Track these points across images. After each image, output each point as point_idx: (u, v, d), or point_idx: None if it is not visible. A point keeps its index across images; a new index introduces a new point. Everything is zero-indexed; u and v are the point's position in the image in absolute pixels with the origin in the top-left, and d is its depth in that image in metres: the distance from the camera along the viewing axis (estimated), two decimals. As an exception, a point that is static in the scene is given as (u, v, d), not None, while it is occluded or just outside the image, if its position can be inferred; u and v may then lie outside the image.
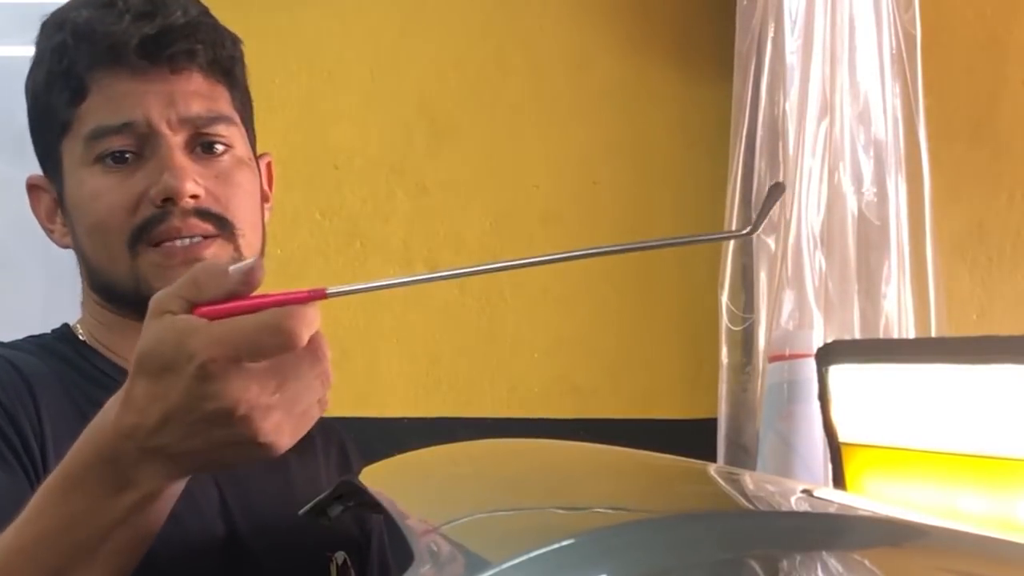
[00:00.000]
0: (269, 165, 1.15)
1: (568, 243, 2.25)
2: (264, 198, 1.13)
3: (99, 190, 1.02)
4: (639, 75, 2.26)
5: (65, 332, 1.11)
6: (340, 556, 1.05)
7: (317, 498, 0.98)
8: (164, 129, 1.02)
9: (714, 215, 2.14)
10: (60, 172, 1.06)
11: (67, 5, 1.07)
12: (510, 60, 2.25)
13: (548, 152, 2.25)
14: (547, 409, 2.21)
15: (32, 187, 1.12)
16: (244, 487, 1.05)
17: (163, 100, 1.02)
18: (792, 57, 2.04)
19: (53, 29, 1.06)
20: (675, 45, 2.27)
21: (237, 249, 1.04)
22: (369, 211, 2.21)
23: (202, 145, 1.04)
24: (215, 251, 1.03)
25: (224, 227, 1.03)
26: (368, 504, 0.89)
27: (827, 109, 2.04)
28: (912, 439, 1.07)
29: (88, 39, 1.02)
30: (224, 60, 1.07)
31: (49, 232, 1.11)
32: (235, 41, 1.09)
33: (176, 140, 1.02)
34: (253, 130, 1.13)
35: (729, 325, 2.11)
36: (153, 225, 1.01)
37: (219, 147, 1.05)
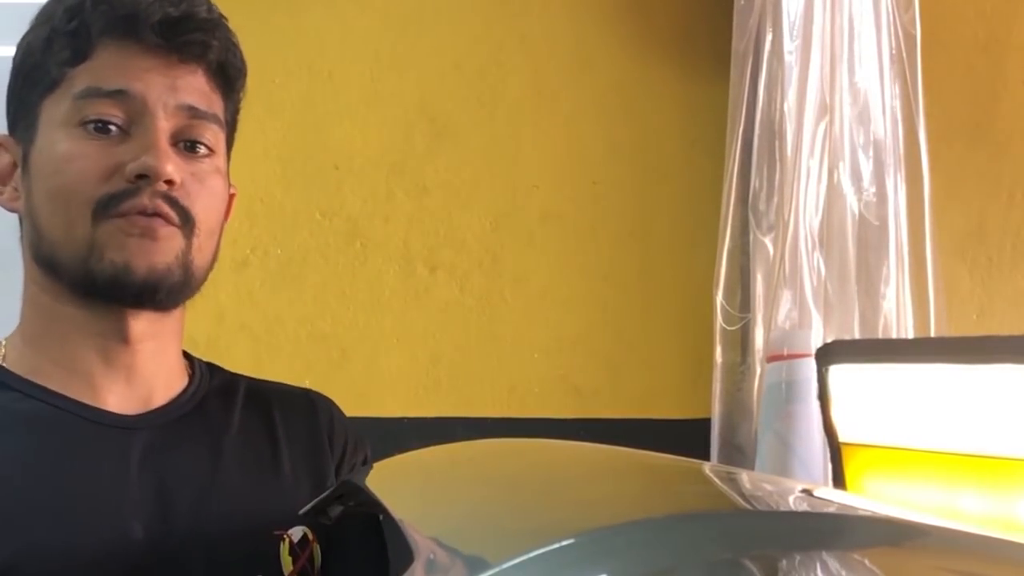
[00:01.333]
0: (232, 197, 1.13)
1: (568, 243, 2.25)
2: (225, 216, 1.11)
3: (73, 154, 1.00)
4: (639, 75, 2.26)
5: None
6: (297, 532, 1.02)
7: (317, 498, 0.98)
8: (159, 111, 1.01)
9: (714, 215, 2.14)
10: (33, 130, 1.03)
11: None
12: (510, 60, 2.25)
13: (548, 152, 2.25)
14: (547, 409, 2.21)
15: None
16: (164, 481, 1.02)
17: (164, 83, 1.01)
18: (790, 57, 2.04)
19: None
20: (675, 45, 2.27)
21: (189, 248, 1.02)
22: (369, 211, 2.21)
23: (186, 143, 1.03)
24: (170, 234, 1.01)
25: (186, 222, 1.02)
26: (368, 504, 0.89)
27: (826, 109, 2.04)
28: (912, 439, 1.07)
29: (109, 3, 1.01)
30: (230, 69, 1.07)
31: None
32: (244, 61, 1.09)
33: (165, 126, 1.01)
34: (230, 156, 1.12)
35: (724, 325, 2.11)
36: (122, 198, 0.99)
37: (202, 149, 1.04)
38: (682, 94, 2.26)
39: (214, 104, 1.06)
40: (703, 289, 2.15)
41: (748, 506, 0.78)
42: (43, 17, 1.05)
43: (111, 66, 1.01)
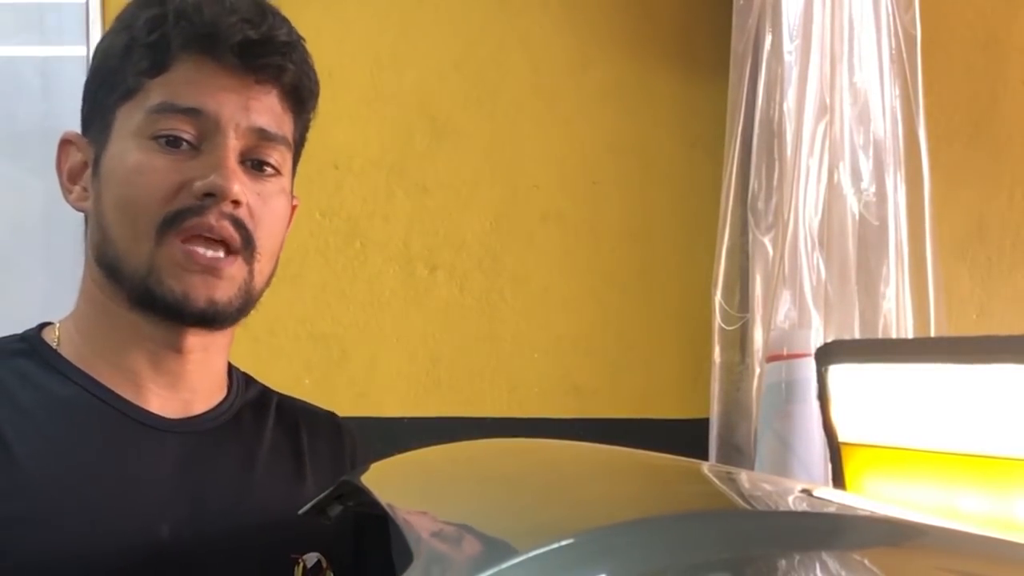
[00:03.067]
0: (294, 209, 1.14)
1: (568, 243, 2.25)
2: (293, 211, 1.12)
3: (144, 167, 1.00)
4: (639, 75, 2.26)
5: (31, 335, 1.08)
6: (311, 558, 1.04)
7: (317, 498, 0.98)
8: (230, 131, 1.01)
9: (713, 215, 2.14)
10: (106, 135, 1.04)
11: None
12: (510, 60, 2.25)
13: (548, 152, 2.25)
14: (547, 409, 2.21)
15: (65, 142, 1.09)
16: (198, 487, 1.03)
17: (238, 103, 1.02)
18: (790, 57, 2.04)
19: (149, 4, 1.04)
20: (675, 45, 2.27)
21: (251, 273, 1.04)
22: (369, 211, 2.21)
23: (253, 162, 1.04)
24: (234, 271, 1.02)
25: (248, 245, 1.03)
26: (367, 504, 0.89)
27: (826, 109, 2.04)
28: (912, 439, 1.07)
29: (190, 19, 1.01)
30: (304, 91, 1.07)
31: (67, 191, 1.08)
32: (317, 82, 1.10)
33: (235, 145, 1.01)
34: (295, 172, 1.12)
35: (722, 324, 2.11)
36: (188, 215, 0.99)
37: (268, 169, 1.05)
38: (682, 94, 2.26)
39: (284, 125, 1.06)
40: (703, 289, 2.15)
41: (748, 506, 0.78)
42: (123, 23, 1.05)
43: (187, 82, 1.01)
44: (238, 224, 1.01)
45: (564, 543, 0.60)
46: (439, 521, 0.72)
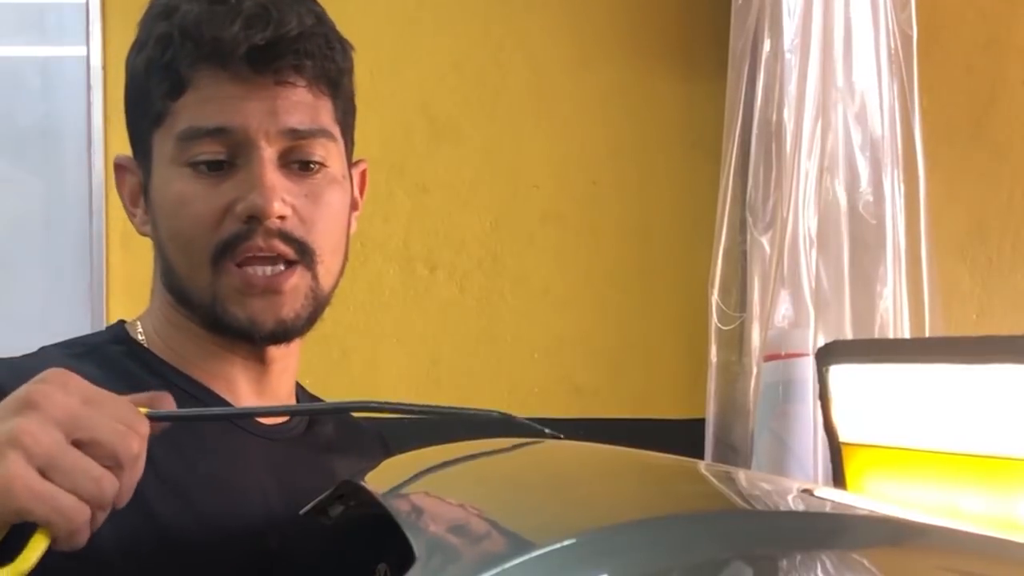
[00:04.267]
0: (363, 173, 1.12)
1: (568, 243, 2.25)
2: (354, 206, 1.10)
3: (186, 196, 0.99)
4: (639, 75, 2.26)
5: (120, 333, 1.07)
6: (382, 568, 1.01)
7: (318, 498, 0.98)
8: (260, 141, 0.98)
9: (713, 215, 2.14)
10: (149, 162, 1.03)
11: None
12: (510, 60, 2.25)
13: (548, 152, 2.25)
14: (547, 409, 2.21)
15: (118, 167, 1.07)
16: (297, 495, 1.01)
17: (263, 110, 0.98)
18: (789, 55, 2.04)
19: (159, 17, 1.01)
20: (675, 45, 2.27)
21: (315, 277, 1.02)
22: (369, 211, 2.21)
23: (298, 163, 1.01)
24: (295, 282, 1.01)
25: (305, 253, 1.01)
26: (367, 504, 0.89)
27: (824, 109, 2.04)
28: (912, 439, 1.07)
29: (193, 37, 0.98)
30: (332, 71, 1.03)
31: (131, 215, 1.07)
32: (346, 49, 1.05)
33: (270, 152, 0.99)
34: (352, 138, 1.10)
35: (719, 324, 2.11)
36: (237, 242, 0.98)
37: (315, 165, 1.02)
38: (682, 94, 2.26)
39: (320, 115, 1.02)
40: (702, 289, 2.15)
41: (748, 506, 0.78)
42: (140, 41, 1.03)
43: (207, 100, 0.98)
44: (288, 238, 0.99)
45: (565, 543, 0.60)
46: (440, 521, 0.72)
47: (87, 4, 2.16)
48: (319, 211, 1.02)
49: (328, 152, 1.03)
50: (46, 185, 2.20)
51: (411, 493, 0.85)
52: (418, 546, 0.64)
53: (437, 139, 2.24)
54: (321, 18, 1.03)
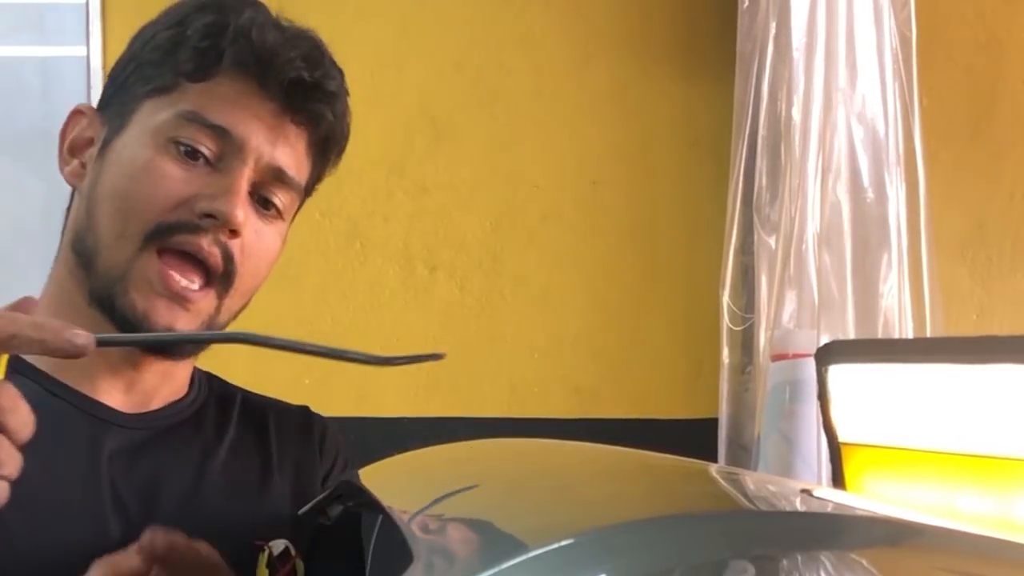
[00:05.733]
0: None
1: (568, 243, 2.25)
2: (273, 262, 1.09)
3: (154, 167, 0.97)
4: (639, 75, 2.26)
5: None
6: (278, 545, 1.00)
7: (316, 498, 0.98)
8: (250, 159, 0.98)
9: (714, 215, 2.15)
10: (125, 121, 1.00)
11: (236, 1, 1.02)
12: (510, 60, 2.25)
13: (548, 152, 2.25)
14: (547, 409, 2.21)
15: (77, 112, 1.05)
16: (150, 483, 1.00)
17: (268, 137, 0.99)
18: (797, 55, 2.05)
19: (209, 11, 1.00)
20: (675, 45, 2.27)
21: (219, 309, 1.01)
22: (369, 211, 2.21)
23: (260, 198, 1.01)
24: (203, 304, 0.99)
25: (227, 280, 1.00)
26: (367, 504, 0.89)
27: (827, 109, 2.04)
28: (912, 439, 1.07)
29: (250, 40, 0.98)
30: (332, 144, 1.06)
31: (63, 162, 1.04)
32: (347, 138, 1.08)
33: (250, 175, 0.99)
34: (295, 213, 1.10)
35: (730, 325, 2.11)
36: (181, 230, 0.96)
37: (274, 210, 1.02)
38: (683, 94, 2.26)
39: (303, 171, 1.04)
40: (703, 289, 2.15)
41: (748, 506, 0.78)
42: (174, 19, 1.01)
43: (225, 99, 0.98)
44: (227, 256, 0.98)
45: (565, 543, 0.60)
46: (439, 521, 0.72)
47: (87, 4, 2.16)
48: (259, 252, 1.02)
49: (288, 206, 1.04)
50: (46, 185, 2.20)
51: (410, 494, 0.85)
52: (416, 546, 0.64)
53: (437, 139, 2.24)
54: (347, 96, 1.05)
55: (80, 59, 2.12)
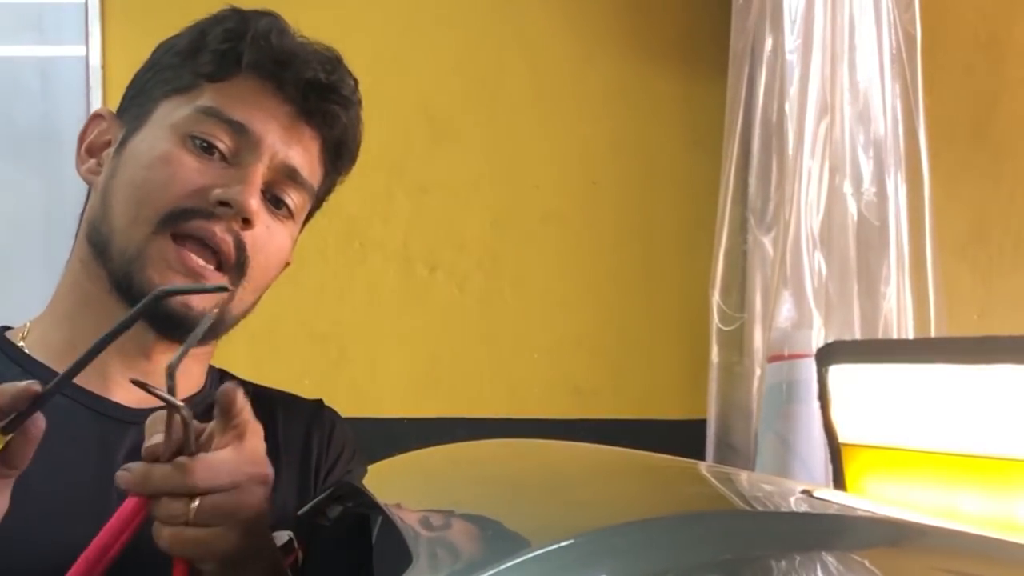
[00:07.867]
0: (286, 266, 1.11)
1: (568, 243, 2.25)
2: (287, 264, 1.10)
3: (171, 158, 0.99)
4: (639, 75, 2.26)
5: None
6: (282, 536, 0.99)
7: (315, 499, 0.98)
8: (265, 156, 1.00)
9: (714, 215, 2.14)
10: (143, 120, 1.02)
11: (255, 11, 1.05)
12: (510, 60, 2.25)
13: (548, 152, 2.25)
14: (547, 410, 2.21)
15: (96, 116, 1.07)
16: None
17: (283, 137, 1.02)
18: (791, 56, 2.04)
19: (233, 20, 1.04)
20: (675, 45, 2.27)
21: (231, 297, 1.02)
22: (369, 211, 2.21)
23: (273, 197, 1.02)
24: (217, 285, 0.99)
25: (240, 267, 1.01)
26: (367, 504, 0.89)
27: (826, 109, 2.04)
28: (912, 439, 1.07)
29: (269, 42, 1.01)
30: (344, 150, 1.08)
31: (80, 161, 1.06)
32: (359, 147, 1.10)
33: (264, 172, 1.01)
34: (305, 224, 1.12)
35: (720, 325, 2.11)
36: (195, 216, 0.98)
37: (285, 210, 1.04)
38: (682, 94, 2.26)
39: (315, 174, 1.06)
40: (703, 289, 2.15)
41: (748, 507, 0.78)
42: (196, 29, 1.05)
43: (242, 98, 1.01)
44: (239, 245, 1.00)
45: (564, 543, 0.60)
46: (439, 521, 0.72)
47: (86, 4, 2.15)
48: (269, 248, 1.03)
49: (299, 208, 1.06)
50: (46, 185, 2.20)
51: (410, 494, 0.85)
52: (415, 547, 0.64)
53: (437, 139, 2.24)
54: (360, 107, 1.08)
55: (79, 59, 2.11)
